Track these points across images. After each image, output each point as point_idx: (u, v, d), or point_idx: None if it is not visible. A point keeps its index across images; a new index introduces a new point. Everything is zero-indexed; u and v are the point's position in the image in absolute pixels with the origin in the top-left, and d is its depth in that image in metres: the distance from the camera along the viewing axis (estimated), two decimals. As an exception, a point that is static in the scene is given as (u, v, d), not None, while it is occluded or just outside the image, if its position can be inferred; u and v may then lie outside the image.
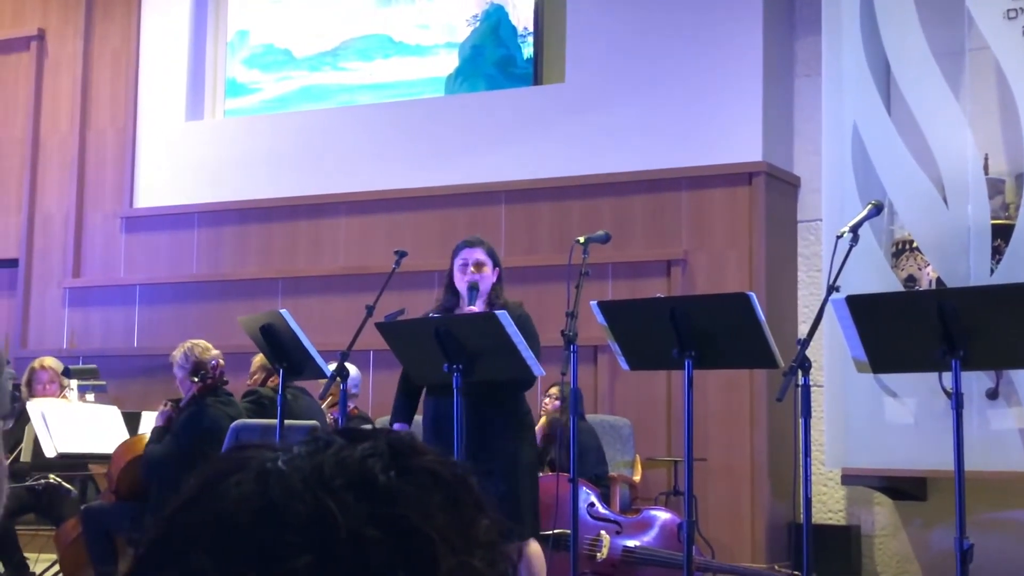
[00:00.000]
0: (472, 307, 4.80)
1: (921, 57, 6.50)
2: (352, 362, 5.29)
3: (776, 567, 6.50)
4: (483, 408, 4.64)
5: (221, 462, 0.75)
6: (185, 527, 0.71)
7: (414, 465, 0.75)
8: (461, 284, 4.93)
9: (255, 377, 6.62)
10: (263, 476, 0.72)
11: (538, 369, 4.56)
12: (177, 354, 5.97)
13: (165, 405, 5.98)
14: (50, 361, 7.12)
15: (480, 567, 0.73)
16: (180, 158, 8.88)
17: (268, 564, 0.68)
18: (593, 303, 4.56)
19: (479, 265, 4.92)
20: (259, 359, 6.47)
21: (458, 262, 4.96)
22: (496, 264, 4.99)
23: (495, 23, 8.25)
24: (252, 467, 0.73)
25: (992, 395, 6.21)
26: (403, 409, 5.01)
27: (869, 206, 4.54)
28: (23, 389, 6.95)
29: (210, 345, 6.05)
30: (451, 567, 0.71)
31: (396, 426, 4.89)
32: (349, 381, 5.27)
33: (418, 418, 5.22)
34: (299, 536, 0.69)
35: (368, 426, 0.79)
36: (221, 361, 5.95)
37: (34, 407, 6.37)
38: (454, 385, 4.57)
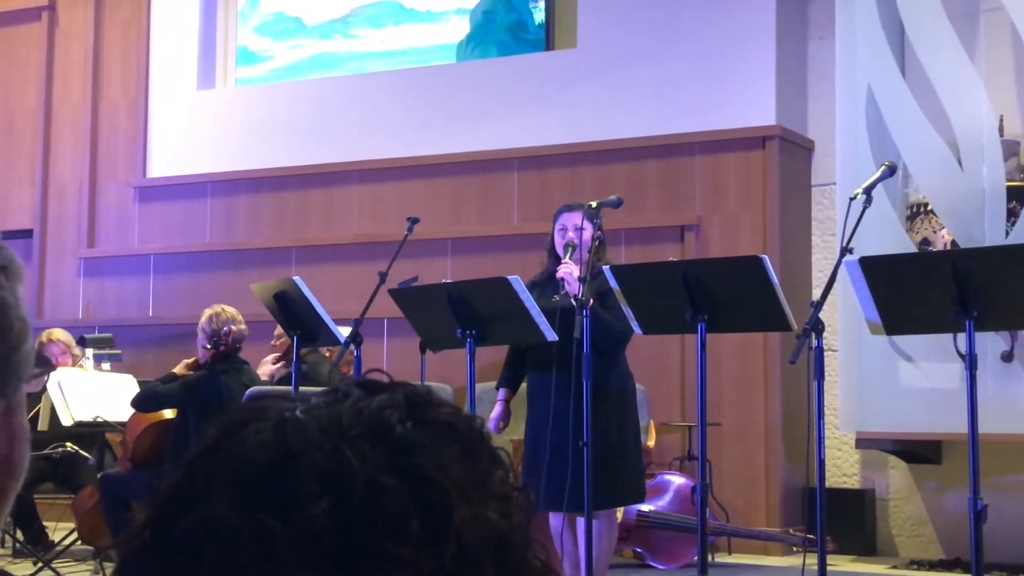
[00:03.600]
0: (568, 261, 4.74)
1: (936, 19, 6.46)
2: (365, 329, 5.30)
3: (790, 531, 6.52)
4: (579, 379, 4.54)
5: (240, 411, 0.76)
6: (204, 474, 0.72)
7: (430, 417, 0.76)
8: (561, 248, 4.89)
9: (281, 340, 6.51)
10: (281, 425, 0.73)
11: (551, 334, 4.55)
12: (203, 318, 6.01)
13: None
14: (59, 333, 7.07)
15: (494, 518, 0.74)
16: (192, 127, 8.88)
17: (285, 510, 0.69)
18: (605, 267, 4.56)
19: (579, 229, 4.87)
20: None
21: (558, 227, 4.91)
22: (598, 227, 4.92)
23: (506, -12, 8.21)
24: (271, 416, 0.74)
25: (1007, 358, 6.21)
26: (508, 378, 5.01)
27: (883, 167, 4.52)
28: (36, 361, 6.96)
29: (236, 313, 6.04)
30: (465, 517, 0.72)
31: (499, 392, 4.94)
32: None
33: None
34: (316, 483, 0.70)
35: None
36: (234, 327, 5.95)
37: (51, 376, 6.40)
38: (469, 351, 4.55)
